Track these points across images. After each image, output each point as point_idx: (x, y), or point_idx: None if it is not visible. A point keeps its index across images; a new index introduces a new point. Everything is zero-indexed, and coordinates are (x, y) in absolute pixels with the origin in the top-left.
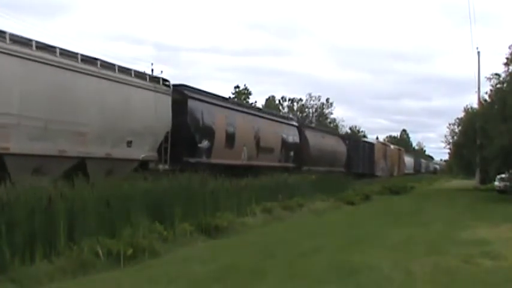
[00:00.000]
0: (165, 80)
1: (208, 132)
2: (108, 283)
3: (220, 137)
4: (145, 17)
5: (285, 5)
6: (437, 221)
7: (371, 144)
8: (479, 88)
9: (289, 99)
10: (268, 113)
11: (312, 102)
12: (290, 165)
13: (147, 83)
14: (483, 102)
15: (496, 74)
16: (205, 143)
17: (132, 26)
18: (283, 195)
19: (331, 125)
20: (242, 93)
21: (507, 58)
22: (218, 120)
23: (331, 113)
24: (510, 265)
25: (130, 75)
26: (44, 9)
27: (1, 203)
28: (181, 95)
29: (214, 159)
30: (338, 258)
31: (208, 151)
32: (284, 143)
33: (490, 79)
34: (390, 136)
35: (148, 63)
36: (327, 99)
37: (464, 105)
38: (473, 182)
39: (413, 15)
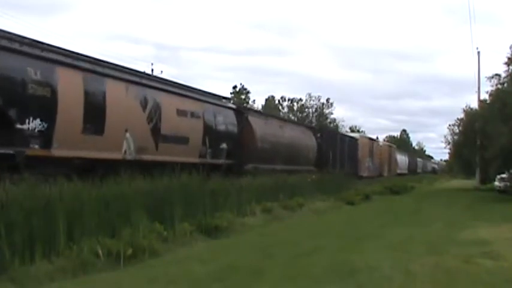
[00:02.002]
0: None
1: (41, 105)
2: (108, 283)
3: (70, 114)
4: (145, 17)
5: (285, 4)
6: (437, 221)
7: (353, 139)
8: (479, 88)
9: (288, 99)
10: (178, 86)
11: (311, 102)
12: (221, 161)
13: None
14: (483, 102)
15: (496, 74)
16: (35, 124)
17: (132, 26)
18: (283, 195)
19: (331, 125)
20: (240, 93)
21: (508, 58)
22: (64, 86)
23: (332, 113)
24: (510, 265)
25: None
26: (43, 8)
27: (0, 203)
28: None
29: (61, 150)
30: (338, 258)
31: (45, 136)
32: (209, 131)
33: (490, 79)
34: (390, 136)
35: (148, 63)
36: (327, 99)
37: (463, 106)
38: (473, 182)
39: (414, 15)
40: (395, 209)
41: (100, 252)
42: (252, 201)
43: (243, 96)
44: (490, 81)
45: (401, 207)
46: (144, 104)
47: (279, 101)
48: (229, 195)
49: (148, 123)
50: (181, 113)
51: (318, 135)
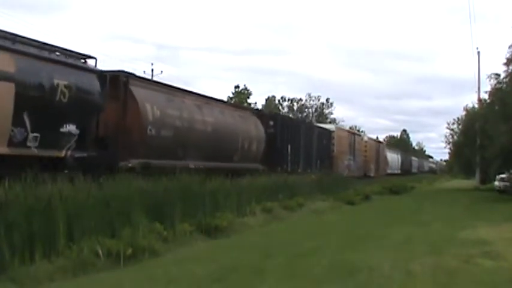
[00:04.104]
0: None
1: None
2: (108, 283)
3: None
4: (145, 17)
5: (285, 4)
6: (437, 221)
7: (326, 131)
8: (479, 88)
9: (288, 99)
10: None
11: (311, 102)
12: (65, 153)
13: None
14: (483, 102)
15: (496, 74)
16: None
17: (132, 26)
18: (283, 195)
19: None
20: (242, 93)
21: (507, 58)
22: None
23: (332, 113)
24: (510, 265)
25: None
26: (43, 8)
27: (0, 203)
28: None
29: None
30: (338, 258)
31: None
32: (33, 103)
33: (490, 79)
34: (390, 136)
35: (149, 63)
36: (327, 99)
37: (465, 105)
38: (473, 182)
39: (414, 16)
40: (395, 208)
41: (100, 252)
42: (252, 201)
43: (242, 96)
44: (490, 81)
45: (401, 207)
46: None
47: (279, 101)
48: (229, 195)
49: None
50: None
51: (271, 123)
